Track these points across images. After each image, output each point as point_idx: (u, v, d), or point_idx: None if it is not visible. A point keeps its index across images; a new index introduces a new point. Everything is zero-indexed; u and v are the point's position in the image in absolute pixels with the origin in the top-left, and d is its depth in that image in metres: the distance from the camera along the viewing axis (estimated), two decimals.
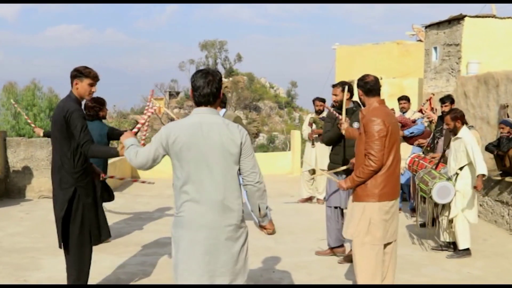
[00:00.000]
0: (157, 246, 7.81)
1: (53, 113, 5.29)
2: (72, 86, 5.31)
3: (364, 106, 5.73)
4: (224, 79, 78.00)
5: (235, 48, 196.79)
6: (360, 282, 5.44)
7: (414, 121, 10.10)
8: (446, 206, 7.43)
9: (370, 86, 5.52)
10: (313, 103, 11.37)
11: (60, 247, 5.27)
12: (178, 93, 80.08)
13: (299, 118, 72.89)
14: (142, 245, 7.86)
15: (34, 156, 11.95)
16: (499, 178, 9.29)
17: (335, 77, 25.72)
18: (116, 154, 5.22)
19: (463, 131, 7.36)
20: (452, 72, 14.32)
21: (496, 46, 14.20)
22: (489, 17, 14.58)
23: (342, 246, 7.46)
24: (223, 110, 8.55)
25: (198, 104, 4.00)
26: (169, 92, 78.36)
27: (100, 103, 7.87)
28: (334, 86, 7.43)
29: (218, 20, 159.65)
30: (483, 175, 7.03)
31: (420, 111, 10.78)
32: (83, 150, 5.15)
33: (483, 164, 7.05)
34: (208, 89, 3.95)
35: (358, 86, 5.62)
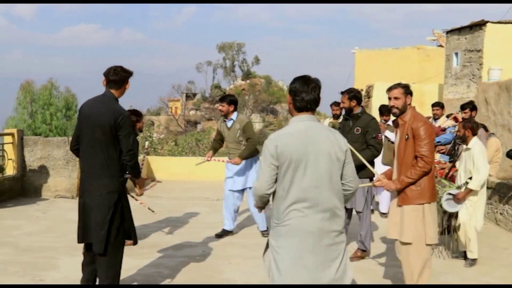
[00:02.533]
0: (173, 248, 7.78)
1: (95, 114, 5.14)
2: (120, 87, 5.31)
3: (399, 113, 5.81)
4: (241, 82, 78.39)
5: (253, 50, 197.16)
6: (421, 282, 5.62)
7: (444, 129, 9.89)
8: (453, 215, 7.37)
9: (410, 91, 5.78)
10: (331, 107, 11.23)
11: (101, 252, 5.13)
12: (195, 95, 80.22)
13: None
14: (159, 247, 7.82)
15: (51, 155, 11.97)
16: None
17: (354, 81, 25.64)
18: (138, 177, 5.54)
19: (473, 142, 7.29)
20: (473, 78, 14.19)
21: None
22: (511, 23, 14.43)
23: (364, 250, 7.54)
24: (235, 113, 8.53)
25: (299, 110, 4.00)
26: (186, 93, 78.49)
27: (137, 115, 7.75)
28: (342, 93, 7.62)
29: (236, 22, 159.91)
30: (471, 190, 7.11)
31: (454, 118, 10.45)
32: (130, 157, 5.16)
33: (478, 183, 7.09)
34: (312, 96, 3.98)
35: (409, 93, 5.76)
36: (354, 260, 7.19)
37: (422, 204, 5.60)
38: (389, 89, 5.83)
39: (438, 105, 10.53)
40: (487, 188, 9.83)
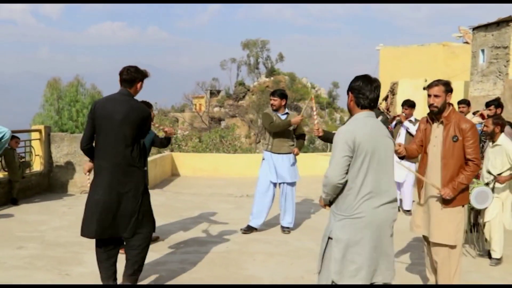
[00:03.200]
0: (197, 244, 7.81)
1: (118, 111, 5.31)
2: (132, 86, 5.51)
3: (437, 111, 5.69)
4: (265, 79, 78.45)
5: (277, 47, 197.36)
6: (455, 282, 5.64)
7: None
8: (482, 212, 7.30)
9: (451, 88, 5.69)
10: None
11: (131, 235, 5.43)
12: (219, 92, 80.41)
13: (340, 119, 72.56)
14: (183, 243, 7.87)
15: (77, 151, 12.08)
16: None
17: (379, 78, 25.50)
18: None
19: (502, 139, 7.23)
20: (499, 75, 14.03)
21: None
22: None
23: None
24: (286, 110, 8.78)
25: (363, 107, 4.24)
26: (210, 90, 78.71)
27: (148, 106, 7.84)
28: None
29: (260, 19, 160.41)
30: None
31: (481, 115, 10.29)
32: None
33: None
34: (374, 94, 4.23)
35: (450, 91, 5.69)
36: None
37: (463, 205, 5.63)
38: (429, 86, 5.72)
39: (464, 103, 10.39)
40: None
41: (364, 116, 4.22)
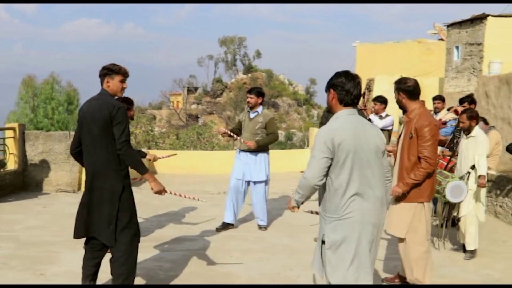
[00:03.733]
0: (174, 242, 7.81)
1: (91, 112, 5.12)
2: (102, 85, 5.25)
3: (402, 109, 5.92)
4: (242, 76, 78.37)
5: (254, 44, 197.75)
6: (426, 281, 5.74)
7: (444, 123, 9.88)
8: (456, 206, 7.38)
9: (414, 89, 5.73)
10: None
11: (112, 244, 5.21)
12: (196, 89, 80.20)
13: (317, 116, 72.73)
14: (159, 241, 7.85)
15: (52, 149, 12.00)
16: None
17: None
18: (143, 171, 5.25)
19: (476, 130, 7.33)
20: (473, 71, 14.19)
21: None
22: None
23: None
24: (261, 107, 8.78)
25: (346, 104, 4.13)
26: (187, 87, 78.52)
27: (128, 102, 7.64)
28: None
29: (237, 16, 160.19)
30: (484, 176, 7.22)
31: (455, 111, 10.38)
32: (120, 145, 5.04)
33: (484, 166, 7.19)
34: (357, 91, 4.13)
35: (400, 89, 5.79)
36: None
37: (422, 203, 5.70)
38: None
39: (439, 99, 10.50)
40: (487, 181, 9.87)
41: (346, 114, 4.11)
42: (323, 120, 8.10)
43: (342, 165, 3.98)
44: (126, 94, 5.54)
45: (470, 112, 7.41)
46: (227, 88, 76.68)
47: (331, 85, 4.19)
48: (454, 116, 9.94)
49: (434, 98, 10.53)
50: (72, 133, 12.20)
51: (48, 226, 8.68)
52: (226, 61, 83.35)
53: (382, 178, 4.18)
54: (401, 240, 5.80)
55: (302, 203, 4.24)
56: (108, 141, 5.09)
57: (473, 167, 7.28)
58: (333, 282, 4.09)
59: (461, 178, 7.25)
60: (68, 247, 7.26)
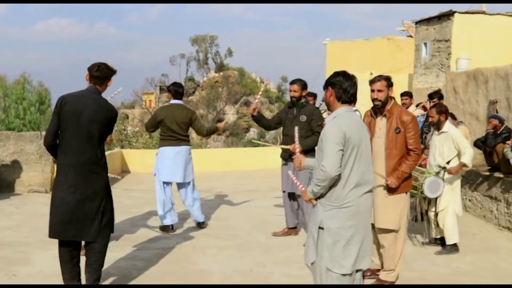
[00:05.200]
0: (147, 241, 7.82)
1: (90, 110, 5.19)
2: (103, 83, 5.42)
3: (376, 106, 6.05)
4: (214, 74, 78.17)
5: (226, 42, 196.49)
6: (399, 264, 6.04)
7: None
8: (433, 201, 7.48)
9: (392, 83, 6.02)
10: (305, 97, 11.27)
11: (95, 240, 5.30)
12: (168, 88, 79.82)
13: None
14: (133, 239, 7.85)
15: (24, 150, 11.91)
16: (488, 173, 9.35)
17: (326, 72, 25.73)
18: None
19: (448, 125, 7.44)
20: (442, 67, 14.39)
21: (486, 42, 14.29)
22: (478, 13, 14.66)
23: (295, 227, 8.28)
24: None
25: (343, 102, 4.42)
26: (160, 86, 78.08)
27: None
28: (292, 83, 7.99)
29: (209, 14, 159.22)
30: (464, 165, 7.33)
31: (423, 107, 10.54)
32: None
33: (470, 157, 7.30)
34: (353, 90, 4.42)
35: (391, 85, 6.00)
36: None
37: (406, 192, 6.01)
38: (372, 82, 6.00)
39: (407, 95, 10.64)
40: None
41: (346, 111, 4.40)
42: (282, 114, 8.17)
43: (348, 158, 4.27)
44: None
45: (439, 107, 7.51)
46: (200, 87, 76.45)
47: (330, 83, 4.46)
48: (423, 112, 10.10)
49: (402, 94, 10.67)
50: (44, 133, 12.15)
51: (20, 226, 8.63)
52: (198, 60, 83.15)
53: (372, 170, 4.53)
54: (390, 231, 5.96)
55: (320, 195, 4.41)
56: (101, 139, 5.34)
57: (448, 162, 7.38)
58: (330, 267, 4.32)
59: (437, 173, 7.33)
60: (41, 248, 7.24)
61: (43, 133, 12.10)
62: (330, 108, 4.55)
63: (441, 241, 7.61)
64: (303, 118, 7.74)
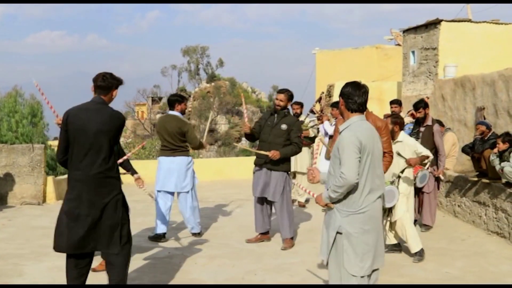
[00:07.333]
0: (139, 251, 7.82)
1: (98, 122, 5.07)
2: (108, 93, 5.28)
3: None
4: (206, 84, 78.22)
5: (217, 53, 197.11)
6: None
7: None
8: (388, 211, 7.44)
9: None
10: (291, 107, 11.35)
11: (118, 251, 5.27)
12: (160, 99, 79.77)
13: None
14: None
15: (16, 162, 11.93)
16: (476, 179, 9.44)
17: (316, 81, 25.89)
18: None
19: (402, 135, 7.64)
20: (429, 75, 14.52)
21: (473, 49, 14.45)
22: (465, 21, 14.83)
23: (267, 233, 8.42)
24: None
25: (353, 111, 4.65)
26: (152, 97, 78.12)
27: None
28: (279, 92, 8.23)
29: (199, 25, 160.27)
30: (427, 157, 7.58)
31: (412, 115, 10.28)
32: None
33: (429, 152, 7.64)
34: (362, 99, 4.64)
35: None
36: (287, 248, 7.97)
37: None
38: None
39: (396, 103, 10.71)
40: (446, 181, 10.14)
41: (359, 119, 4.62)
42: (261, 121, 8.27)
43: (364, 164, 4.49)
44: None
45: (395, 117, 7.64)
46: (191, 97, 76.55)
47: (340, 94, 4.73)
48: (411, 119, 10.16)
49: (392, 102, 10.74)
50: (36, 145, 12.20)
51: (13, 239, 8.65)
52: (190, 71, 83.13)
53: (383, 174, 4.81)
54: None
55: (336, 201, 4.60)
56: (112, 149, 5.19)
57: (403, 171, 7.45)
58: (349, 270, 4.56)
59: (392, 182, 7.31)
60: (33, 260, 7.27)
61: (36, 145, 12.16)
62: (343, 117, 4.77)
63: (398, 247, 7.71)
64: (284, 127, 7.87)
